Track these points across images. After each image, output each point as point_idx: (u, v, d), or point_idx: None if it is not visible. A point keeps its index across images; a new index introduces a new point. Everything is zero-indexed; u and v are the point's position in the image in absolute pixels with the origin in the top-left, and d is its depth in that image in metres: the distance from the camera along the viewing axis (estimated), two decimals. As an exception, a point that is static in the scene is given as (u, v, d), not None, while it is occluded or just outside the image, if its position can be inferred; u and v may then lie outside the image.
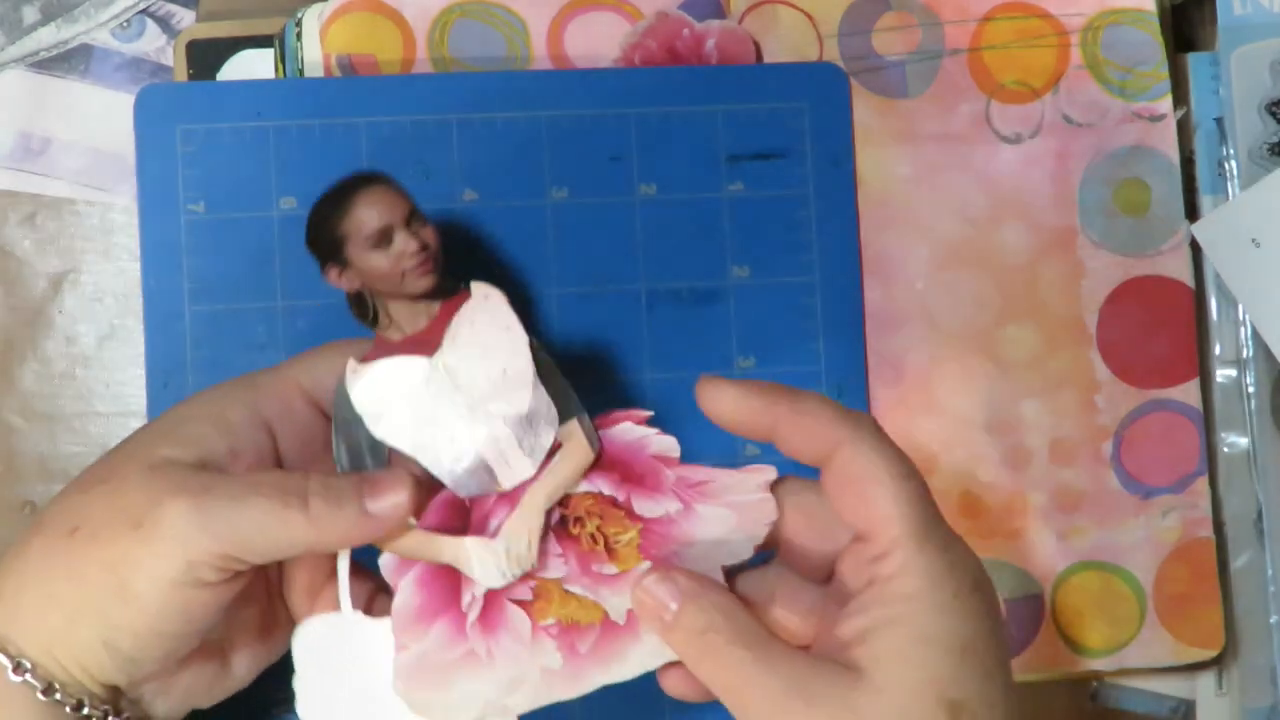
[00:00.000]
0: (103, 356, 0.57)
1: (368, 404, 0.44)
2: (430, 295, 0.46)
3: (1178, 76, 0.58)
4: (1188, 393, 0.57)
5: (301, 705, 0.45)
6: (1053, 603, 0.57)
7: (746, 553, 0.45)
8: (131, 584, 0.41)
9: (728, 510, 0.45)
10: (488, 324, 0.45)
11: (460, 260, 0.52)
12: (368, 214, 0.45)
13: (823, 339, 0.55)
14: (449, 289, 0.46)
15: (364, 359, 0.45)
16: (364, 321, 0.47)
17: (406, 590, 0.44)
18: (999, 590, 0.56)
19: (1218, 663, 0.58)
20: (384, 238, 0.45)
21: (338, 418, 0.45)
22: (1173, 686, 0.58)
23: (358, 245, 0.45)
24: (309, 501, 0.41)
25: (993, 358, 0.57)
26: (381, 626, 0.44)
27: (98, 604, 0.41)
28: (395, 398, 0.44)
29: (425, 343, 0.45)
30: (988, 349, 0.57)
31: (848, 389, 0.55)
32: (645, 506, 0.45)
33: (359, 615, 0.44)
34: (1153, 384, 0.57)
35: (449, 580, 0.44)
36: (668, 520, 0.45)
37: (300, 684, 0.45)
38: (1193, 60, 0.59)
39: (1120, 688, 0.58)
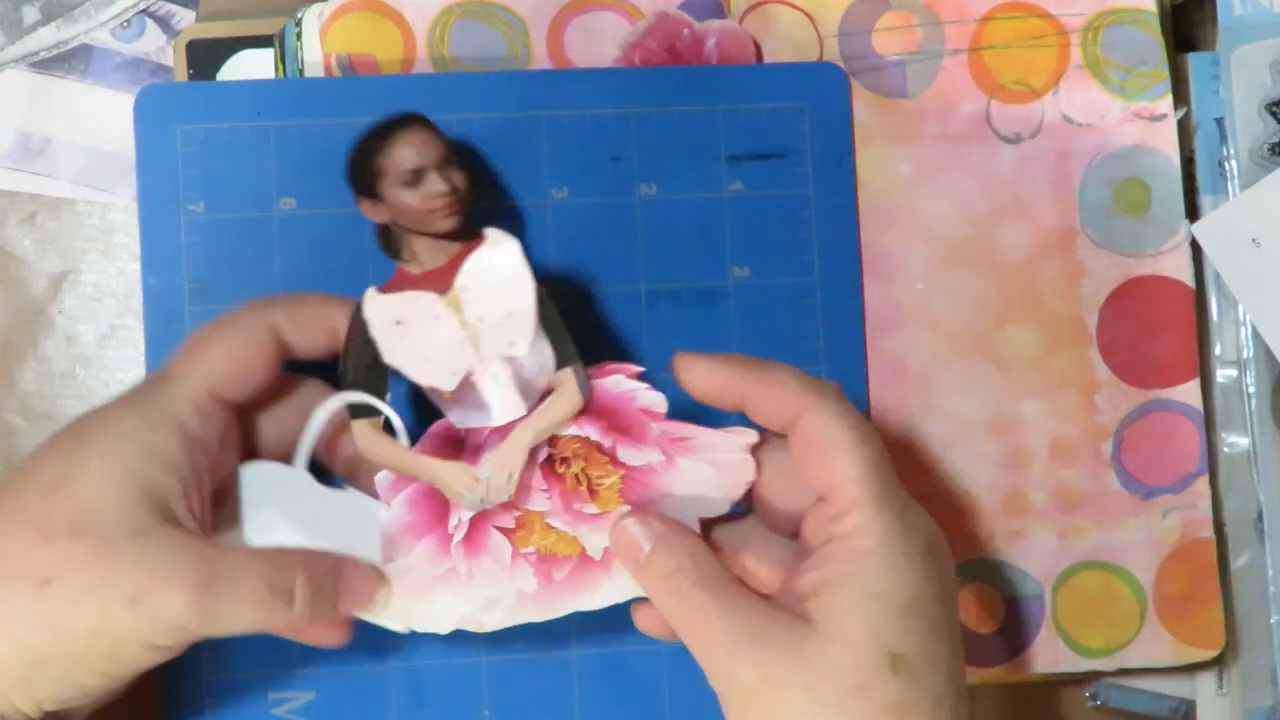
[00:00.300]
0: (103, 356, 0.57)
1: (381, 330, 0.47)
2: (452, 236, 0.48)
3: (1178, 76, 0.58)
4: (1188, 393, 0.57)
5: (248, 529, 0.47)
6: (1053, 603, 0.57)
7: (722, 509, 0.48)
8: (122, 651, 0.42)
9: (708, 467, 0.48)
10: (499, 268, 0.47)
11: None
12: (404, 153, 0.47)
13: (823, 339, 0.55)
14: (471, 233, 0.48)
15: (383, 288, 0.47)
16: (388, 253, 0.49)
17: (399, 508, 0.47)
18: (999, 590, 0.56)
19: (1218, 663, 0.58)
20: (417, 177, 0.47)
21: (350, 339, 0.47)
22: (1173, 686, 0.58)
23: (392, 182, 0.47)
24: (295, 597, 0.43)
25: (993, 358, 0.57)
26: (329, 493, 0.47)
27: (79, 659, 0.42)
28: (407, 326, 0.47)
29: (440, 279, 0.47)
30: (988, 349, 0.57)
31: (848, 389, 0.55)
32: (629, 455, 0.48)
33: (309, 477, 0.47)
34: (1153, 384, 0.57)
35: (438, 503, 0.47)
36: (649, 470, 0.48)
37: (246, 513, 0.46)
38: (1193, 60, 0.59)
39: (1120, 688, 0.58)
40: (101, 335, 0.57)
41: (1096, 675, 0.58)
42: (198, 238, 0.53)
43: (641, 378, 0.48)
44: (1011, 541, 0.57)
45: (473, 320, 0.47)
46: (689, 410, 0.48)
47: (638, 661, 0.54)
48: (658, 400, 0.48)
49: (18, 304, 0.57)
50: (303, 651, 0.52)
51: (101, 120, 0.57)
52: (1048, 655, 0.57)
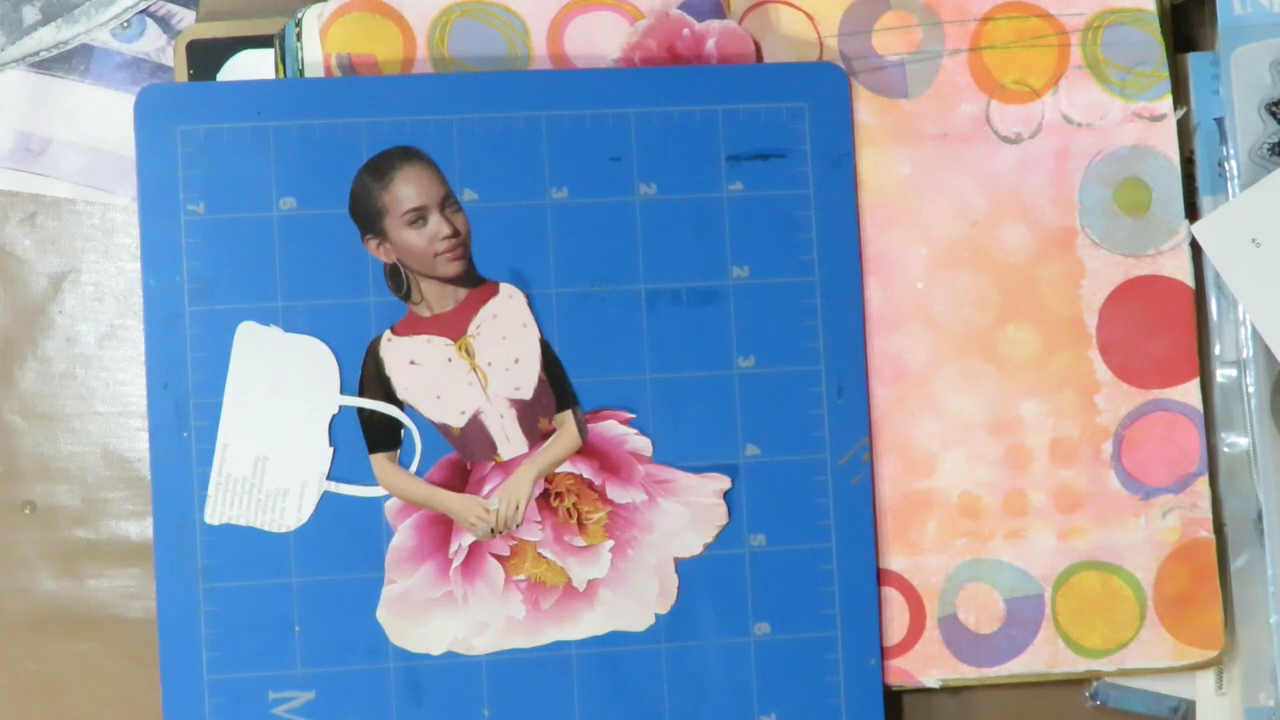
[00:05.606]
0: (103, 356, 0.57)
1: (397, 370, 0.52)
2: (458, 281, 0.53)
3: (1178, 76, 0.58)
4: (1188, 393, 0.57)
5: (229, 393, 0.52)
6: (1053, 603, 0.57)
7: (696, 549, 0.54)
8: None
9: (685, 508, 0.53)
10: (509, 318, 0.52)
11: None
12: (406, 191, 0.52)
13: (823, 339, 0.55)
14: (476, 279, 0.53)
15: (395, 329, 0.52)
16: (397, 294, 0.53)
17: (404, 532, 0.52)
18: (999, 590, 0.56)
19: (1218, 663, 0.58)
20: (420, 217, 0.52)
21: (366, 377, 0.52)
22: (1173, 686, 0.58)
23: (395, 220, 0.52)
24: None
25: (993, 358, 0.57)
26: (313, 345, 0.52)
27: None
28: (420, 367, 0.52)
29: (451, 324, 0.52)
30: (988, 349, 0.57)
31: (847, 389, 0.55)
32: (616, 493, 0.53)
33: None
34: (1153, 384, 0.57)
35: (441, 529, 0.53)
36: (634, 508, 0.53)
37: (232, 377, 0.52)
38: (1193, 60, 0.59)
39: (1120, 688, 0.58)
40: (101, 335, 0.57)
41: (1096, 675, 0.58)
42: (198, 238, 0.53)
43: (637, 420, 0.53)
44: (1011, 541, 0.57)
45: (482, 365, 0.52)
46: (673, 454, 0.54)
47: (638, 661, 0.54)
48: (645, 444, 0.53)
49: (18, 304, 0.57)
50: (303, 651, 0.52)
51: (101, 120, 0.57)
52: (1048, 655, 0.57)
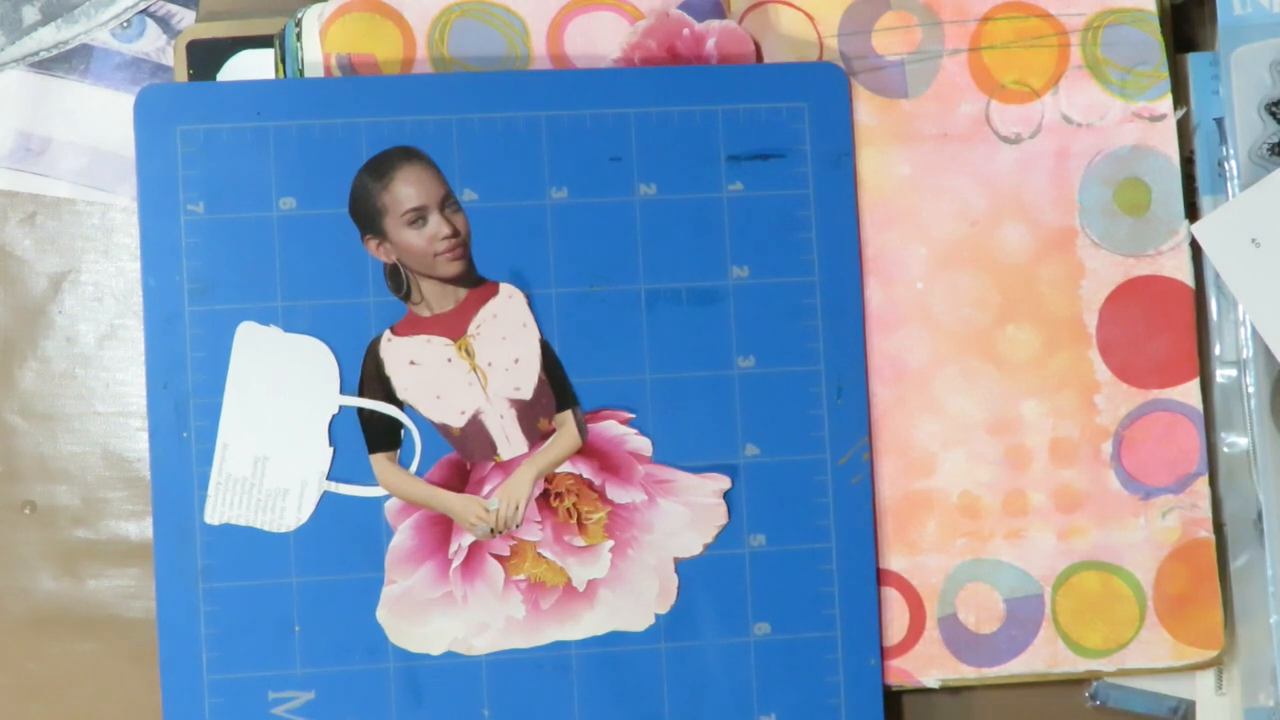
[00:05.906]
0: (103, 356, 0.57)
1: (397, 370, 0.52)
2: (458, 281, 0.53)
3: (1178, 76, 0.58)
4: (1188, 393, 0.57)
5: (229, 393, 0.52)
6: (1053, 603, 0.57)
7: (696, 549, 0.54)
8: None
9: (685, 508, 0.54)
10: (509, 318, 0.53)
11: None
12: (405, 191, 0.52)
13: (823, 339, 0.55)
14: (476, 279, 0.53)
15: (395, 329, 0.53)
16: (397, 294, 0.53)
17: (404, 532, 0.52)
18: (999, 590, 0.56)
19: (1218, 663, 0.58)
20: (419, 217, 0.52)
21: (366, 377, 0.52)
22: (1173, 686, 0.58)
23: (395, 221, 0.52)
24: None
25: (993, 358, 0.57)
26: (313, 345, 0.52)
27: None
28: (420, 367, 0.52)
29: (451, 324, 0.52)
30: (988, 349, 0.57)
31: (847, 389, 0.55)
32: (616, 493, 0.54)
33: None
34: (1153, 384, 0.57)
35: (441, 529, 0.53)
36: (633, 508, 0.53)
37: (232, 377, 0.52)
38: (1193, 60, 0.59)
39: (1120, 688, 0.58)
40: (101, 335, 0.57)
41: (1096, 675, 0.58)
42: (198, 238, 0.53)
43: (638, 420, 0.53)
44: (1011, 541, 0.57)
45: (482, 365, 0.52)
46: (673, 454, 0.54)
47: (638, 661, 0.54)
48: (644, 445, 0.54)
49: (18, 304, 0.57)
50: (303, 651, 0.52)
51: (101, 120, 0.57)
52: (1048, 655, 0.57)
